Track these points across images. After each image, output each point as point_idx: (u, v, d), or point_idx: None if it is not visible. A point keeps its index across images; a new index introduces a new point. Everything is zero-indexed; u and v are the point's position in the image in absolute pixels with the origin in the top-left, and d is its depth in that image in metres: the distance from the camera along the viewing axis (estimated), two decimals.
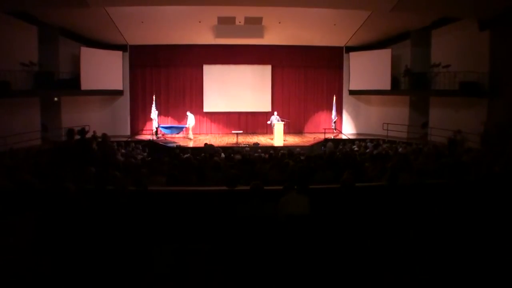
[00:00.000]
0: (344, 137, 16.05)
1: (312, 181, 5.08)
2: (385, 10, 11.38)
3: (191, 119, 15.52)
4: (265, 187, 4.14)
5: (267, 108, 17.56)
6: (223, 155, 9.68)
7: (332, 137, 15.66)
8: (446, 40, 13.69)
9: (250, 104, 17.64)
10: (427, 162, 7.23)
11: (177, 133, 15.75)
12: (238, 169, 6.58)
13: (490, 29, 11.42)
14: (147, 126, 16.92)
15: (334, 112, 16.59)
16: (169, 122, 17.18)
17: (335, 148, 11.78)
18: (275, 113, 15.34)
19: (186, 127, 15.73)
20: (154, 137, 15.15)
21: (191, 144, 14.27)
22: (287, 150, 10.19)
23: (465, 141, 11.13)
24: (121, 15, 13.31)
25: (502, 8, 10.52)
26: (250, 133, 17.14)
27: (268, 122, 15.32)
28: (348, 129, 17.65)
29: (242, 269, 3.56)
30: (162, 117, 16.58)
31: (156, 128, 15.40)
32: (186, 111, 16.09)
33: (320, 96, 17.94)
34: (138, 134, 16.73)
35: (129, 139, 14.63)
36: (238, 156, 9.05)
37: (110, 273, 3.46)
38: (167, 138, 15.33)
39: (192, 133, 15.72)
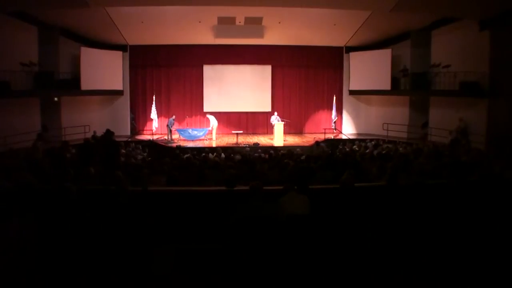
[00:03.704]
0: (344, 137, 16.05)
1: (312, 181, 5.08)
2: (385, 10, 11.37)
3: (213, 120, 15.26)
4: (265, 187, 4.14)
5: (267, 108, 17.56)
6: (223, 155, 9.67)
7: (332, 137, 15.67)
8: (446, 40, 13.68)
9: (250, 104, 17.64)
10: (427, 162, 7.23)
11: (202, 136, 15.30)
12: (238, 169, 6.58)
13: (490, 29, 11.41)
14: (147, 126, 16.94)
15: (334, 112, 16.61)
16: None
17: (335, 148, 11.77)
18: (275, 113, 15.34)
19: (209, 130, 15.44)
20: (166, 138, 15.14)
21: (214, 144, 14.11)
22: (287, 150, 10.19)
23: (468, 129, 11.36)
24: (121, 15, 13.30)
25: (502, 8, 10.52)
26: (250, 133, 17.15)
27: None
28: (348, 129, 17.65)
29: (242, 269, 3.56)
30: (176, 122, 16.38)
31: (170, 131, 15.16)
32: (206, 114, 15.94)
33: (320, 96, 17.94)
34: (138, 134, 16.74)
35: (129, 139, 14.63)
36: (238, 156, 9.06)
37: (110, 273, 3.46)
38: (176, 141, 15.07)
39: (216, 133, 15.47)
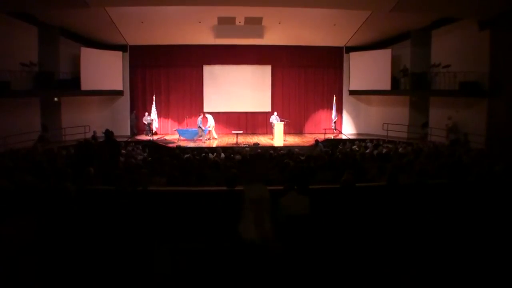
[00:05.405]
0: (344, 137, 16.05)
1: (312, 181, 5.08)
2: (385, 10, 11.38)
3: (211, 120, 15.17)
4: None
5: (267, 108, 17.56)
6: (223, 155, 9.67)
7: (332, 137, 15.66)
8: (446, 40, 13.68)
9: (250, 104, 17.64)
10: (427, 162, 7.23)
11: (200, 137, 15.00)
12: (238, 169, 6.58)
13: (490, 29, 11.41)
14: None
15: (334, 112, 16.61)
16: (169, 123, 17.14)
17: (335, 148, 11.77)
18: (275, 113, 15.34)
19: (209, 130, 15.30)
20: (162, 138, 15.05)
21: (214, 144, 14.04)
22: (287, 150, 10.20)
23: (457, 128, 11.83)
24: (121, 15, 13.31)
25: (502, 8, 10.52)
26: (250, 133, 17.15)
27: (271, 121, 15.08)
28: (348, 129, 17.65)
29: (243, 269, 3.56)
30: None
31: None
32: (203, 113, 15.65)
33: (320, 96, 17.93)
34: (138, 134, 16.73)
35: (129, 139, 14.62)
36: (238, 156, 9.06)
37: (110, 273, 3.46)
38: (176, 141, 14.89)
39: (215, 133, 15.40)
